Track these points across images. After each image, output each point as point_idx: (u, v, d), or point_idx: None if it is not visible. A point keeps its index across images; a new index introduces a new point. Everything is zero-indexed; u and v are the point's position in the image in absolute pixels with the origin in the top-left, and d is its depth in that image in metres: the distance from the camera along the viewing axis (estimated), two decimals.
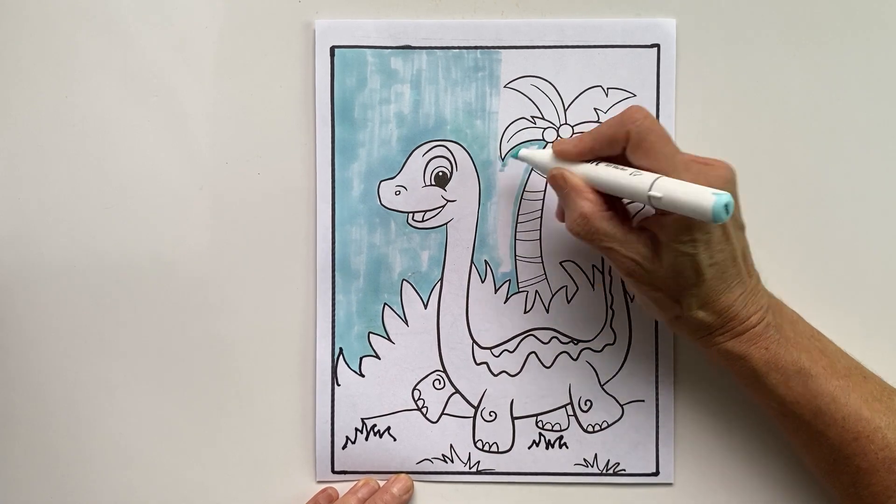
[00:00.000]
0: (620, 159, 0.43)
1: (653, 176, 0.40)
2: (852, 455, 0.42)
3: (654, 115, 0.49)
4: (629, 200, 0.44)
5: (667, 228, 0.41)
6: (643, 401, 0.50)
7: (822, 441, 0.43)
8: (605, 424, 0.51)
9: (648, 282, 0.42)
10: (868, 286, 0.50)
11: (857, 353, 0.45)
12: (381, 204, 0.50)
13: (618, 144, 0.42)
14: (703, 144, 0.50)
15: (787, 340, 0.43)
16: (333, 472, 0.51)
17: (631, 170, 0.41)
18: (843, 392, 0.42)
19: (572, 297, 0.50)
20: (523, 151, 0.47)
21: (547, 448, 0.51)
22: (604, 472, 0.51)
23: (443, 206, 0.50)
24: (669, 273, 0.41)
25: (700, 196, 0.37)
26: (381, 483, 0.51)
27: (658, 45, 0.49)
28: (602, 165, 0.42)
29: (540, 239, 0.50)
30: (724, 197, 0.37)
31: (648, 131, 0.41)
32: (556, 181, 0.44)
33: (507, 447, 0.51)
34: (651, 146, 0.41)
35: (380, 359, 0.51)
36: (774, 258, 0.50)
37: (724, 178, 0.41)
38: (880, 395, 0.43)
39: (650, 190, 0.39)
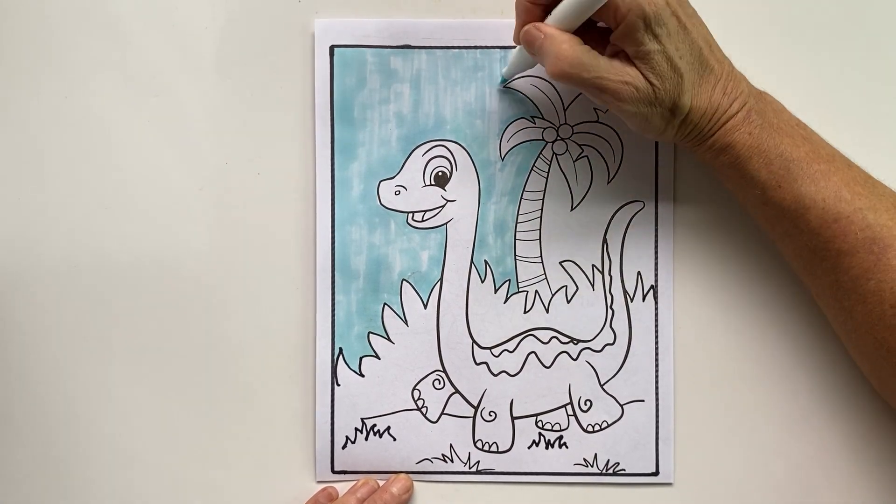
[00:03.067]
0: None
1: None
2: (832, 238, 0.43)
3: None
4: (598, 22, 0.44)
5: (627, 36, 0.41)
6: (643, 401, 0.50)
7: (802, 226, 0.43)
8: (605, 424, 0.51)
9: (642, 100, 0.42)
10: None
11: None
12: (381, 204, 0.50)
13: None
14: None
15: (769, 126, 0.43)
16: (333, 471, 0.51)
17: None
18: (823, 175, 0.43)
19: (572, 297, 0.50)
20: (504, 70, 0.48)
21: (547, 448, 0.51)
22: (604, 471, 0.51)
23: (443, 206, 0.50)
24: (655, 82, 0.41)
25: None
26: (381, 483, 0.51)
27: None
28: (561, 4, 0.43)
29: (540, 239, 0.50)
30: None
31: None
32: (530, 36, 0.43)
33: (507, 447, 0.51)
34: None
35: (380, 359, 0.51)
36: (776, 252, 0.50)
37: None
38: (864, 181, 0.43)
39: None
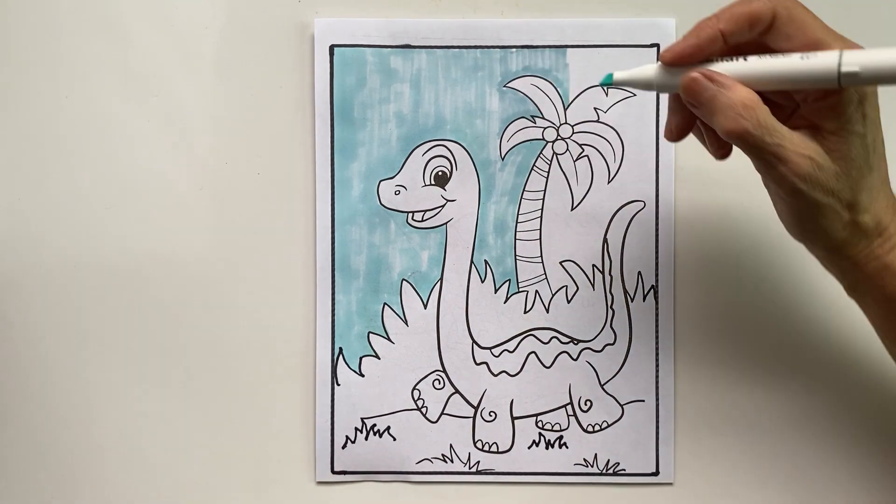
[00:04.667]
0: (743, 49, 0.37)
1: (831, 52, 0.35)
2: None
3: (654, 114, 0.49)
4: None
5: (836, 109, 0.35)
6: (643, 401, 0.50)
7: None
8: (605, 424, 0.51)
9: (822, 184, 0.36)
10: None
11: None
12: (381, 203, 0.50)
13: (759, 25, 0.36)
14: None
15: None
16: (333, 471, 0.51)
17: (793, 53, 0.36)
18: None
19: (572, 297, 0.50)
20: (619, 75, 0.39)
21: (547, 448, 0.51)
22: (604, 471, 0.51)
23: (442, 206, 0.50)
24: (843, 165, 0.36)
25: None
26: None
27: (658, 45, 0.49)
28: (752, 58, 0.36)
29: (540, 239, 0.50)
30: None
31: (795, 4, 0.36)
32: (697, 85, 0.36)
33: (507, 447, 0.51)
34: (803, 20, 0.35)
35: (379, 359, 0.51)
36: (783, 256, 0.50)
37: None
38: None
39: (840, 66, 0.34)
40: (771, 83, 0.36)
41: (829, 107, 0.36)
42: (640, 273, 0.50)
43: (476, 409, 0.51)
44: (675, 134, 0.41)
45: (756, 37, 0.36)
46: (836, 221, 0.37)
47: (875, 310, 0.41)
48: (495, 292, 0.50)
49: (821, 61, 0.35)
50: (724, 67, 0.37)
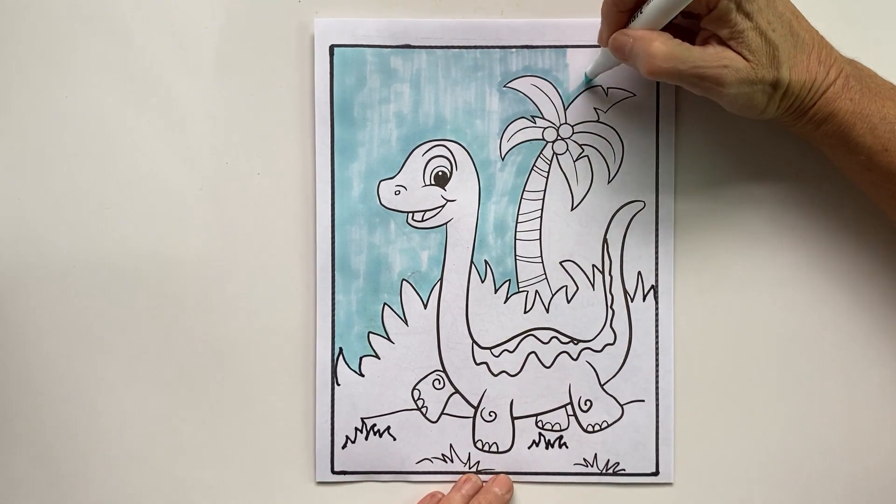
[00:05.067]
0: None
1: None
2: None
3: (654, 114, 0.49)
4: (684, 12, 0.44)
5: (720, 20, 0.42)
6: (643, 401, 0.50)
7: None
8: (605, 424, 0.51)
9: (743, 79, 0.42)
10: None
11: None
12: (381, 204, 0.50)
13: None
14: (704, 145, 0.50)
15: (868, 90, 0.44)
16: (333, 471, 0.51)
17: None
18: None
19: (572, 297, 0.50)
20: (589, 69, 0.48)
21: (547, 448, 0.51)
22: (604, 471, 0.51)
23: (442, 206, 0.50)
24: (752, 58, 0.42)
25: None
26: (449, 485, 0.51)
27: None
28: (645, 6, 0.43)
29: (540, 239, 0.50)
30: None
31: None
32: (620, 42, 0.44)
33: (507, 447, 0.51)
34: None
35: (380, 358, 0.51)
36: (783, 256, 0.50)
37: None
38: None
39: None
40: (664, 12, 0.42)
41: (717, 18, 0.42)
42: (640, 273, 0.50)
43: (476, 409, 0.51)
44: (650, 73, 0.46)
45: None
46: (766, 98, 0.43)
47: (824, 148, 0.46)
48: (495, 292, 0.50)
49: None
50: (633, 24, 0.44)
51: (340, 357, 0.51)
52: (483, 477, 0.51)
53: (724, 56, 0.42)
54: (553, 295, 0.50)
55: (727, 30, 0.42)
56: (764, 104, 0.44)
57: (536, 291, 0.50)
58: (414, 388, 0.51)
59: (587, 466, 0.51)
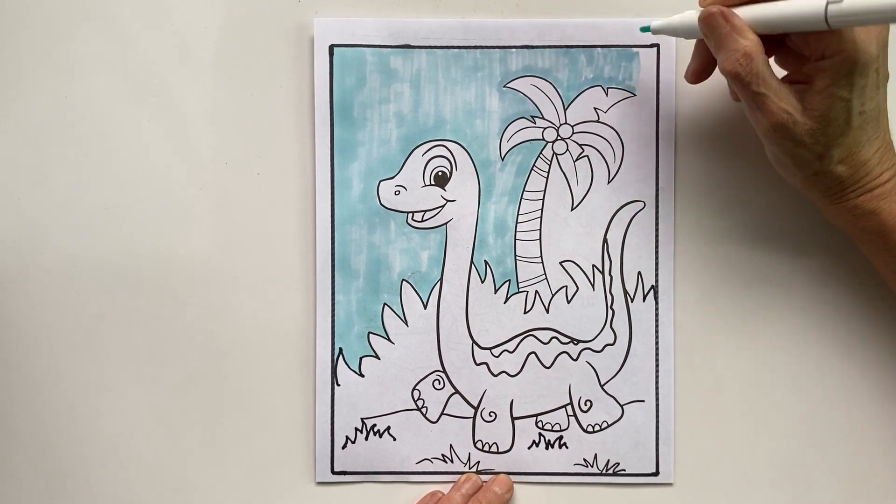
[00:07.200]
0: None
1: None
2: None
3: (654, 114, 0.49)
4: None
5: (826, 72, 0.40)
6: (643, 401, 0.50)
7: None
8: (605, 424, 0.51)
9: (794, 136, 0.41)
10: None
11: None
12: (381, 204, 0.50)
13: None
14: (705, 145, 0.50)
15: None
16: (333, 472, 0.51)
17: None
18: None
19: (572, 298, 0.50)
20: (657, 23, 0.45)
21: (547, 448, 0.51)
22: (604, 472, 0.51)
23: (442, 206, 0.50)
24: (818, 123, 0.40)
25: None
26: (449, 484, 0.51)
27: (658, 45, 0.49)
28: (762, 4, 0.40)
29: (540, 239, 0.50)
30: None
31: None
32: (714, 20, 0.41)
33: (507, 447, 0.51)
34: None
35: (379, 359, 0.51)
36: (783, 256, 0.50)
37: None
38: None
39: (828, 4, 0.37)
40: (774, 23, 0.40)
41: (823, 68, 0.40)
42: (640, 273, 0.50)
43: (476, 409, 0.51)
44: (693, 76, 0.46)
45: None
46: (805, 167, 0.43)
47: (856, 238, 0.46)
48: (495, 292, 0.50)
49: (810, 1, 0.39)
50: (739, 10, 0.41)
51: (340, 357, 0.51)
52: (483, 477, 0.51)
53: (793, 103, 0.41)
54: (553, 295, 0.50)
55: (824, 85, 0.40)
56: (801, 171, 0.43)
57: (536, 292, 0.50)
58: (414, 389, 0.51)
59: (587, 466, 0.51)
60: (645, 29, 0.46)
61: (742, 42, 0.40)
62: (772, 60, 0.43)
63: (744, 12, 0.41)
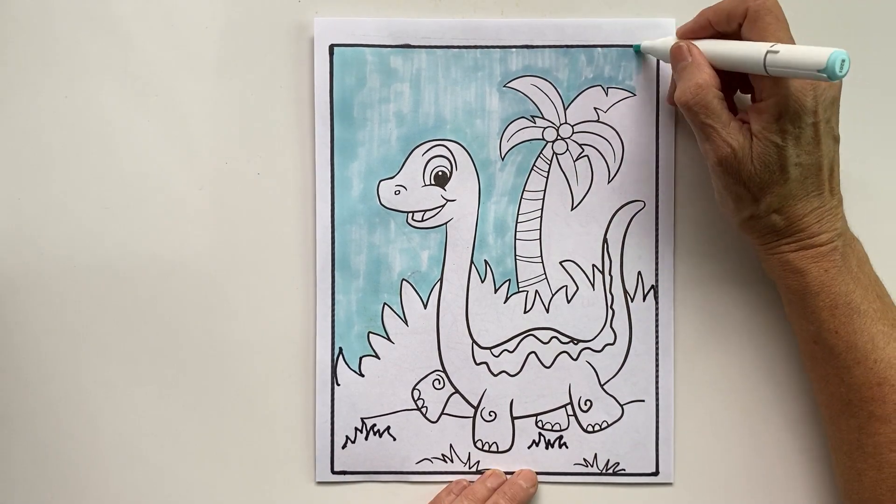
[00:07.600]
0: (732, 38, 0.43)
1: (766, 43, 0.40)
2: (870, 399, 0.42)
3: (654, 114, 0.49)
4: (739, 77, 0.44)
5: (761, 115, 0.41)
6: (643, 401, 0.50)
7: (844, 378, 0.43)
8: (605, 424, 0.51)
9: (736, 173, 0.42)
10: None
11: None
12: (381, 203, 0.50)
13: (734, 20, 0.42)
14: None
15: (848, 271, 0.43)
16: (333, 471, 0.51)
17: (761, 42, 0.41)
18: (884, 337, 0.42)
19: (572, 297, 0.50)
20: (646, 43, 0.48)
21: (547, 448, 0.51)
22: (604, 471, 0.51)
23: (442, 206, 0.50)
24: (757, 166, 0.41)
25: (816, 51, 0.37)
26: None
27: None
28: (721, 41, 0.43)
29: (540, 239, 0.50)
30: (842, 53, 0.36)
31: (767, 11, 0.41)
32: (680, 52, 0.43)
33: (507, 447, 0.51)
34: (766, 26, 0.41)
35: (379, 359, 0.51)
36: None
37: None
38: None
39: (770, 47, 0.39)
40: (725, 59, 0.42)
41: (758, 109, 0.41)
42: (640, 273, 0.50)
43: (476, 409, 0.51)
44: (672, 100, 0.47)
45: (737, 28, 0.43)
46: (743, 209, 0.43)
47: (781, 292, 0.46)
48: (495, 292, 0.50)
49: (757, 45, 0.40)
50: (702, 43, 0.44)
51: (340, 357, 0.51)
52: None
53: (738, 140, 0.41)
54: (553, 295, 0.50)
55: (758, 127, 0.41)
56: (737, 209, 0.43)
57: (536, 291, 0.50)
58: (414, 388, 0.51)
59: (587, 466, 0.51)
60: (636, 48, 0.48)
61: (697, 74, 0.42)
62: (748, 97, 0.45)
63: (704, 46, 0.43)
